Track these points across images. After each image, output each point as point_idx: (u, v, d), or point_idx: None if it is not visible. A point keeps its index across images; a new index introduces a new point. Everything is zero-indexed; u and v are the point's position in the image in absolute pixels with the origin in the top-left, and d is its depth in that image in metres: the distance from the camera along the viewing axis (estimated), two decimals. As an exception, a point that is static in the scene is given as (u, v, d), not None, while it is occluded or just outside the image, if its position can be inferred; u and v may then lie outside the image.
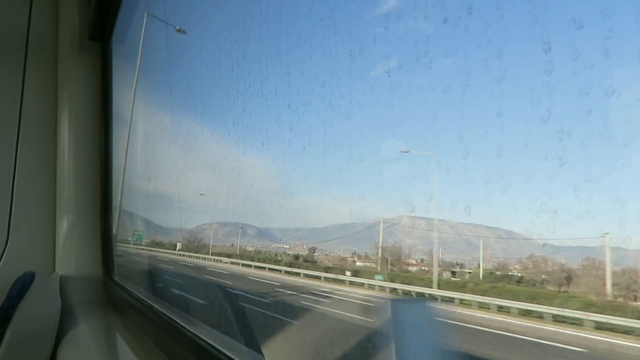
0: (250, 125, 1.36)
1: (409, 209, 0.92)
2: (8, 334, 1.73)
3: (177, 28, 2.12)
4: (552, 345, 2.41)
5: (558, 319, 2.54)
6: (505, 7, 0.65)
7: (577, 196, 0.57)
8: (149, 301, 1.72)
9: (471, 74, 0.71)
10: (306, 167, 1.19)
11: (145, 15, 2.24)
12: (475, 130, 0.71)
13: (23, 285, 1.95)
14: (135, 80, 2.49)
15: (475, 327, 2.86)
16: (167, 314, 1.51)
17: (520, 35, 0.63)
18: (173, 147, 2.07)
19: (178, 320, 1.43)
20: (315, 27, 1.06)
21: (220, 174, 1.59)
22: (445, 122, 0.75)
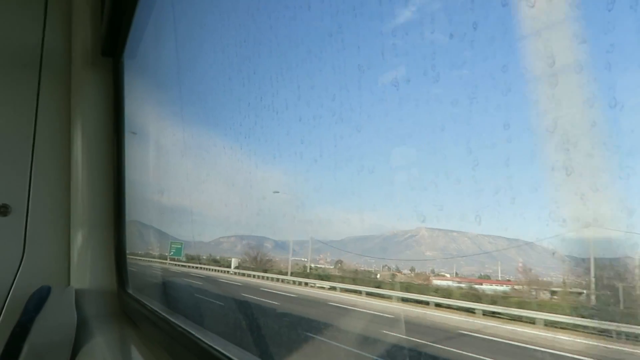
0: (262, 138, 1.38)
1: (420, 218, 0.93)
2: (26, 347, 1.75)
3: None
4: None
5: None
6: (508, 22, 0.67)
7: (584, 205, 0.58)
8: (163, 313, 1.73)
9: (478, 87, 0.73)
10: (318, 179, 1.21)
11: (156, 31, 2.28)
12: (483, 142, 0.73)
13: (39, 299, 1.98)
14: (146, 95, 2.53)
15: None
16: (182, 326, 1.52)
17: (524, 50, 0.65)
18: (185, 160, 2.10)
19: (192, 332, 1.44)
20: (324, 42, 1.09)
21: (233, 186, 1.61)
22: (453, 133, 0.77)
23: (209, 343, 1.29)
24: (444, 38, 0.77)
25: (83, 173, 2.29)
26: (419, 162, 0.89)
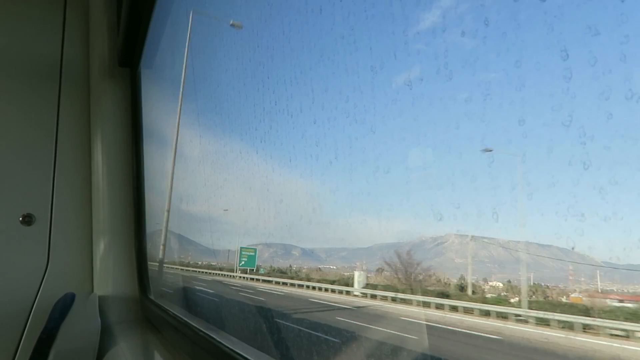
0: (278, 142, 1.39)
1: (437, 217, 0.93)
2: (52, 353, 1.79)
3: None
4: None
5: None
6: (521, 18, 0.66)
7: (603, 199, 0.57)
8: (184, 318, 1.74)
9: (491, 84, 0.72)
10: (333, 181, 1.22)
11: (171, 41, 2.31)
12: (498, 138, 0.72)
13: (64, 306, 2.01)
14: (163, 104, 2.56)
15: None
16: (203, 330, 1.53)
17: (538, 44, 0.65)
18: (203, 167, 2.12)
19: (214, 336, 1.45)
20: (336, 45, 1.10)
21: (250, 190, 1.63)
22: (468, 131, 0.77)
23: (231, 347, 1.30)
24: (455, 36, 0.77)
25: (103, 182, 2.32)
26: (434, 160, 0.89)
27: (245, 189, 1.66)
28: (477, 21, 0.73)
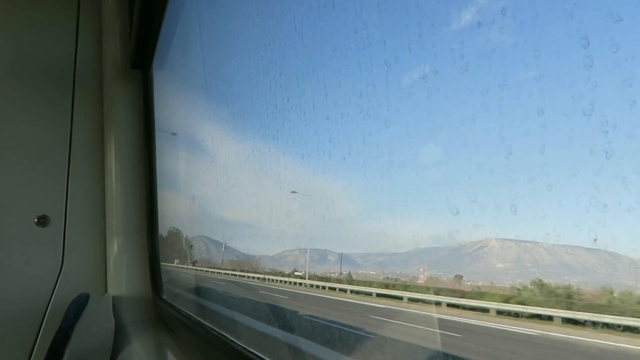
0: (290, 139, 1.39)
1: (452, 211, 0.91)
2: (67, 352, 1.80)
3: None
4: None
5: None
6: (539, 6, 0.65)
7: (626, 188, 0.56)
8: (197, 318, 1.75)
9: (509, 74, 0.71)
10: (347, 177, 1.21)
11: (182, 42, 2.32)
12: (516, 130, 0.71)
13: (78, 306, 2.03)
14: (175, 105, 2.57)
15: None
16: (216, 330, 1.53)
17: (557, 33, 0.64)
18: (216, 166, 2.12)
19: (227, 335, 1.45)
20: (349, 40, 1.10)
21: (263, 188, 1.62)
22: (485, 123, 0.76)
23: (244, 346, 1.30)
24: (471, 27, 0.76)
25: (117, 183, 2.35)
26: (450, 153, 0.87)
27: (257, 187, 1.66)
28: (493, 11, 0.72)
